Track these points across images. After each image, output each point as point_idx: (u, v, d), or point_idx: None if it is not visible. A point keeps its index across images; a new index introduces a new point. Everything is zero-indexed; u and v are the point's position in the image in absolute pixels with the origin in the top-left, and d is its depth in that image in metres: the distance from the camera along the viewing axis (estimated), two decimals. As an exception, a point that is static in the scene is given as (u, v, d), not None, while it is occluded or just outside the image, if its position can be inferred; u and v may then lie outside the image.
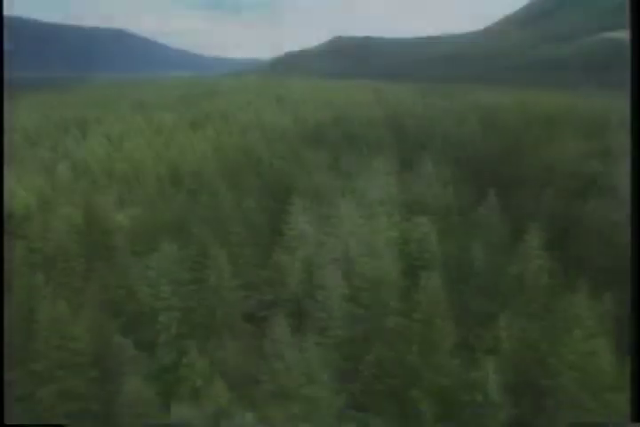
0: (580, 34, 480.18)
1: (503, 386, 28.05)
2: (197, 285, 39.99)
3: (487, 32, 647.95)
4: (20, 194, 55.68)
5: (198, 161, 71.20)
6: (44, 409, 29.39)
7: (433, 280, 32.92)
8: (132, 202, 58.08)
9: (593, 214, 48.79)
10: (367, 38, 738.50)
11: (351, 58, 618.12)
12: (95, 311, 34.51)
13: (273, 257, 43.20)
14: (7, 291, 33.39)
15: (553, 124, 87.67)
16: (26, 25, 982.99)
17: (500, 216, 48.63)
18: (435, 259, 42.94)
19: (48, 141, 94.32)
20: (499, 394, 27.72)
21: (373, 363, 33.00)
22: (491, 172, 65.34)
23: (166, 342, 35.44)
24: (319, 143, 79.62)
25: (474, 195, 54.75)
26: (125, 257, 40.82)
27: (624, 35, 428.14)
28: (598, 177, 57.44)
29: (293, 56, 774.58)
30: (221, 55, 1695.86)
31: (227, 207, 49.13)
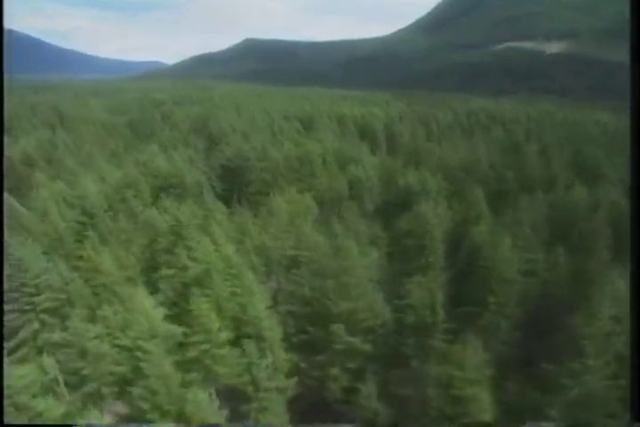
0: (485, 42, 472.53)
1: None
2: None
3: (396, 37, 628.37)
4: None
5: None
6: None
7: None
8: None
9: None
10: (280, 41, 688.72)
11: (265, 61, 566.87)
12: None
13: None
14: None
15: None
16: None
17: None
18: None
19: None
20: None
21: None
22: None
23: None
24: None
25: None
26: None
27: (529, 44, 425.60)
28: None
29: (199, 59, 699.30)
30: (120, 57, 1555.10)
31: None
